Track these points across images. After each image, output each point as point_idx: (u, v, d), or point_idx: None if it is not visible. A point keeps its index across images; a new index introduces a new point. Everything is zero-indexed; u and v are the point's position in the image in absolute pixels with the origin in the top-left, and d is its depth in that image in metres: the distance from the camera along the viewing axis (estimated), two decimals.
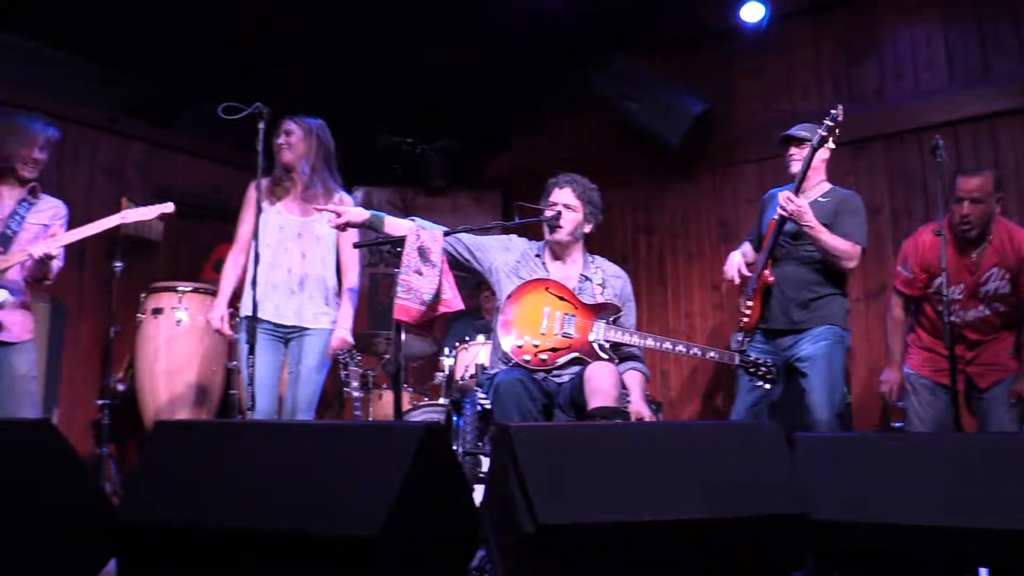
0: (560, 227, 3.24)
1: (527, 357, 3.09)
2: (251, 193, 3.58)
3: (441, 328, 4.85)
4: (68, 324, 4.65)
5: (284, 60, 4.99)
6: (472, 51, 5.14)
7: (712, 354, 3.24)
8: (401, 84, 5.30)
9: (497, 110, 5.87)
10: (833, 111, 3.39)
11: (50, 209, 3.64)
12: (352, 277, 3.60)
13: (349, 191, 3.85)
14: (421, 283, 2.99)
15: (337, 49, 4.99)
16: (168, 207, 3.54)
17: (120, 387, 4.59)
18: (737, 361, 3.19)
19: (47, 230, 3.59)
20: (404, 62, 5.10)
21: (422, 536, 1.92)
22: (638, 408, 3.10)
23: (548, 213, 3.25)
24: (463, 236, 3.25)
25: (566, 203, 3.27)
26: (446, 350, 4.59)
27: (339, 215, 3.17)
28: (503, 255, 3.30)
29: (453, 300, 3.02)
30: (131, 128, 5.16)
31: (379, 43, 4.99)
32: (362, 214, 3.19)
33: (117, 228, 4.67)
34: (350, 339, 3.51)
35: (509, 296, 3.18)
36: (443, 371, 4.58)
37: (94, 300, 4.83)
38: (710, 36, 5.39)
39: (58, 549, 2.10)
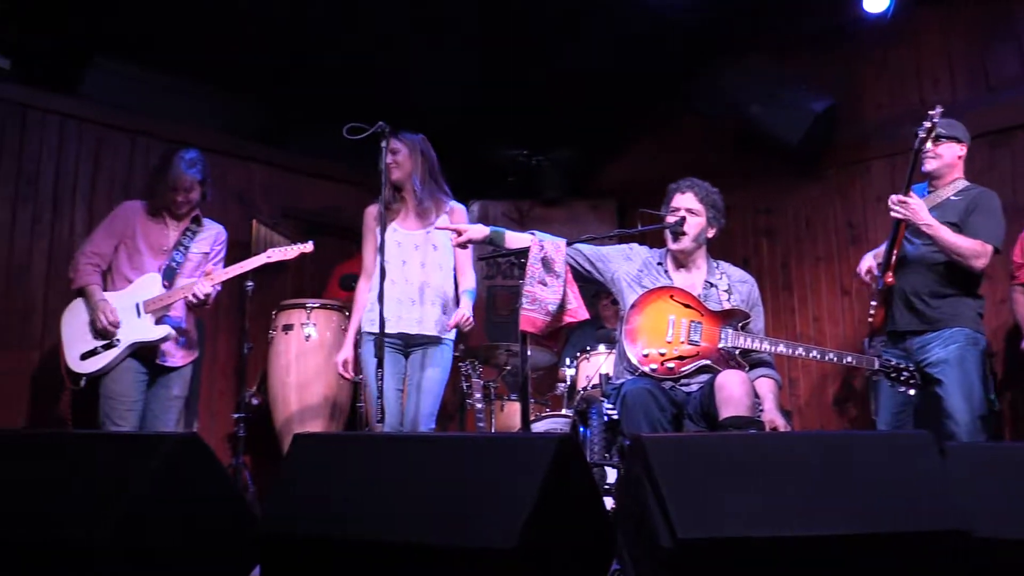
0: (684, 233, 3.18)
1: (654, 366, 3.03)
2: (367, 220, 3.69)
3: (561, 338, 4.83)
4: (206, 341, 4.87)
5: (399, 79, 5.10)
6: (586, 59, 5.12)
7: (848, 359, 3.11)
8: (515, 96, 5.33)
9: (612, 117, 5.82)
10: (931, 112, 3.21)
11: (210, 236, 3.89)
12: (469, 280, 3.64)
13: (465, 205, 3.90)
14: (546, 294, 2.98)
15: (452, 66, 5.06)
16: (308, 247, 3.73)
17: (254, 401, 4.77)
18: (876, 366, 3.04)
19: (208, 257, 3.85)
20: (517, 75, 5.13)
21: (557, 549, 1.89)
22: (772, 417, 2.99)
23: (670, 219, 3.19)
24: (583, 247, 3.23)
25: (689, 208, 3.20)
26: (567, 360, 4.57)
27: (460, 233, 3.18)
28: (625, 264, 3.26)
29: (578, 310, 2.99)
30: (257, 153, 5.38)
31: (493, 57, 5.04)
32: (482, 230, 3.19)
33: (248, 250, 4.93)
34: (470, 314, 3.51)
35: (633, 305, 3.13)
36: (564, 381, 4.56)
37: (229, 318, 5.05)
38: (831, 30, 5.19)
39: (207, 557, 2.19)
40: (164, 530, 2.09)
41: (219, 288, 3.82)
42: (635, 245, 3.37)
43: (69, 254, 4.53)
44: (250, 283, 4.56)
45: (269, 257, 3.74)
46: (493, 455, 1.90)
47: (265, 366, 4.80)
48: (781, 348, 3.07)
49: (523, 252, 3.06)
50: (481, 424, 4.38)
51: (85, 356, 3.62)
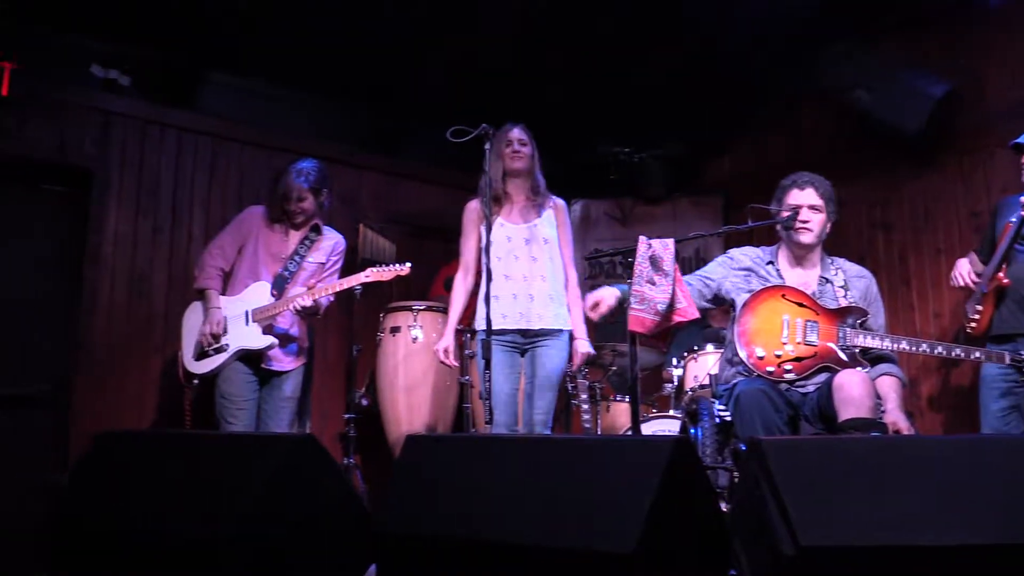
0: (808, 230, 3.08)
1: (770, 369, 2.94)
2: (469, 215, 3.72)
3: (669, 338, 4.76)
4: (316, 344, 5.01)
5: (501, 80, 5.12)
6: (690, 50, 5.02)
7: (977, 354, 2.95)
8: (616, 92, 5.28)
9: (717, 111, 5.69)
10: None
11: (328, 246, 4.00)
12: (573, 281, 3.65)
13: (568, 204, 3.90)
14: (654, 293, 2.94)
15: (550, 63, 5.05)
16: (405, 269, 3.85)
17: (363, 402, 4.88)
18: (1008, 360, 2.88)
19: (324, 268, 3.96)
20: (617, 69, 5.08)
21: (673, 554, 1.86)
22: (895, 419, 2.86)
23: (784, 215, 3.10)
24: (691, 281, 3.17)
25: (811, 204, 3.11)
26: (673, 360, 4.49)
27: (597, 304, 3.07)
28: (727, 272, 3.21)
29: (688, 309, 2.94)
30: (365, 159, 5.51)
31: (592, 54, 5.01)
32: (614, 293, 3.10)
33: (355, 254, 5.04)
34: (591, 350, 3.56)
35: (744, 305, 3.05)
36: (671, 382, 4.48)
37: (338, 321, 5.18)
38: (950, 11, 4.93)
39: (324, 554, 2.25)
40: (282, 528, 2.16)
41: (331, 299, 3.92)
42: (736, 251, 3.29)
43: (188, 262, 4.76)
44: (358, 287, 4.66)
45: (367, 277, 3.83)
46: (608, 457, 1.88)
47: (373, 367, 4.90)
48: (904, 345, 2.94)
49: (630, 252, 3.03)
50: (587, 425, 4.36)
51: (199, 357, 3.82)
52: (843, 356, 2.93)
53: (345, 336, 5.12)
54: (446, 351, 3.61)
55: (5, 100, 4.30)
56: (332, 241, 4.04)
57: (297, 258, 3.90)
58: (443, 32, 4.81)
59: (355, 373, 4.79)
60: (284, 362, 3.89)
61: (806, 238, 3.10)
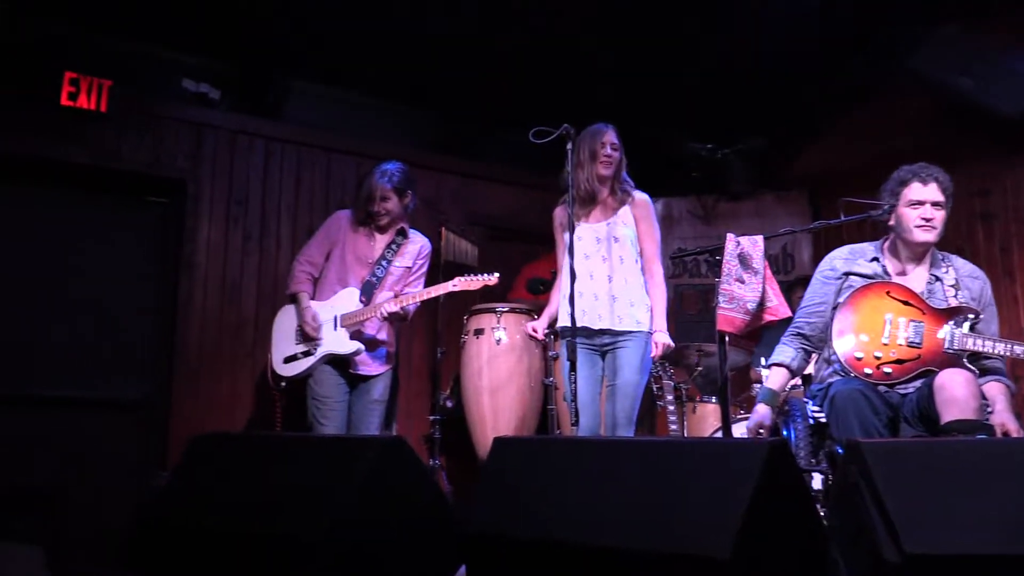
0: (932, 227, 2.91)
1: (868, 371, 2.81)
2: (556, 219, 3.71)
3: (757, 337, 4.65)
4: (401, 347, 5.08)
5: (581, 79, 5.10)
6: (772, 39, 4.89)
7: None
8: (696, 88, 5.20)
9: (800, 103, 5.55)
10: None
11: (414, 250, 4.06)
12: (657, 277, 3.59)
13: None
14: (744, 291, 2.87)
15: (629, 60, 5.01)
16: (493, 279, 3.86)
17: (448, 403, 4.92)
18: None
19: (411, 272, 4.03)
20: (697, 64, 5.00)
21: (770, 560, 1.81)
22: (1003, 420, 2.70)
23: (903, 211, 2.94)
24: (805, 318, 3.03)
25: (935, 201, 2.94)
26: (762, 360, 4.38)
27: (760, 428, 2.95)
28: (834, 287, 3.04)
29: (779, 307, 2.86)
30: (445, 163, 5.57)
31: (671, 50, 4.94)
32: (767, 412, 2.97)
33: (438, 256, 5.09)
34: (670, 341, 3.49)
35: (844, 302, 2.93)
36: (760, 382, 4.38)
37: (422, 324, 5.25)
38: None
39: (414, 555, 2.27)
40: (374, 529, 2.19)
41: (417, 304, 3.97)
42: (824, 264, 3.12)
43: (276, 269, 4.89)
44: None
45: (455, 287, 3.87)
46: (701, 460, 1.85)
47: (458, 369, 4.93)
48: (1018, 349, 2.75)
49: (717, 249, 2.97)
50: (673, 427, 4.30)
51: (287, 360, 3.93)
52: (950, 361, 2.77)
53: (429, 339, 5.17)
54: (534, 328, 3.73)
55: (104, 116, 4.49)
56: (418, 245, 4.08)
57: (384, 263, 3.96)
58: (520, 33, 4.82)
59: (439, 375, 4.83)
60: (372, 366, 3.96)
61: (928, 236, 2.93)
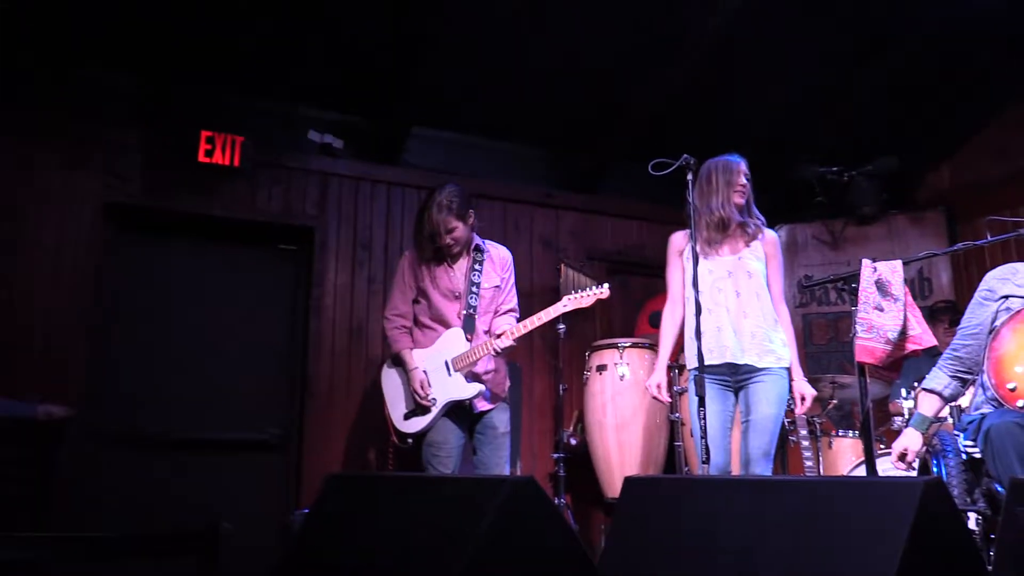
0: None
1: (1021, 403, 2.61)
2: (671, 246, 3.62)
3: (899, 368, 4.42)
4: (523, 384, 5.09)
5: (701, 112, 5.05)
6: (906, 57, 4.71)
7: None
8: (819, 110, 5.05)
9: (932, 119, 5.30)
10: None
11: (496, 265, 3.83)
12: (785, 317, 3.46)
13: (773, 229, 3.74)
14: (883, 320, 2.74)
15: (746, 87, 4.92)
16: (603, 292, 3.64)
17: (572, 441, 4.88)
18: None
19: (500, 290, 3.81)
20: (819, 85, 4.86)
21: None
22: None
23: None
24: (954, 354, 2.90)
25: None
26: (903, 391, 4.16)
27: (904, 455, 2.86)
28: (991, 310, 2.87)
29: (923, 336, 2.71)
30: (563, 199, 5.60)
31: (790, 74, 4.82)
32: (917, 437, 2.88)
33: (557, 295, 5.08)
34: (812, 390, 3.35)
35: (1000, 327, 2.73)
36: (900, 415, 4.15)
37: (544, 360, 5.24)
38: None
39: None
40: (509, 571, 2.16)
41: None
42: (992, 278, 2.93)
43: None
44: (562, 326, 4.70)
45: (565, 306, 3.64)
46: (851, 500, 1.75)
47: (581, 406, 4.90)
48: None
49: (851, 277, 2.84)
50: (808, 464, 4.11)
51: (408, 416, 3.75)
52: None
53: (551, 375, 5.16)
54: (658, 387, 3.50)
55: (237, 170, 4.73)
56: (499, 259, 3.86)
57: (474, 289, 3.74)
58: (640, 67, 4.82)
59: (562, 412, 4.81)
60: (488, 400, 3.80)
61: None
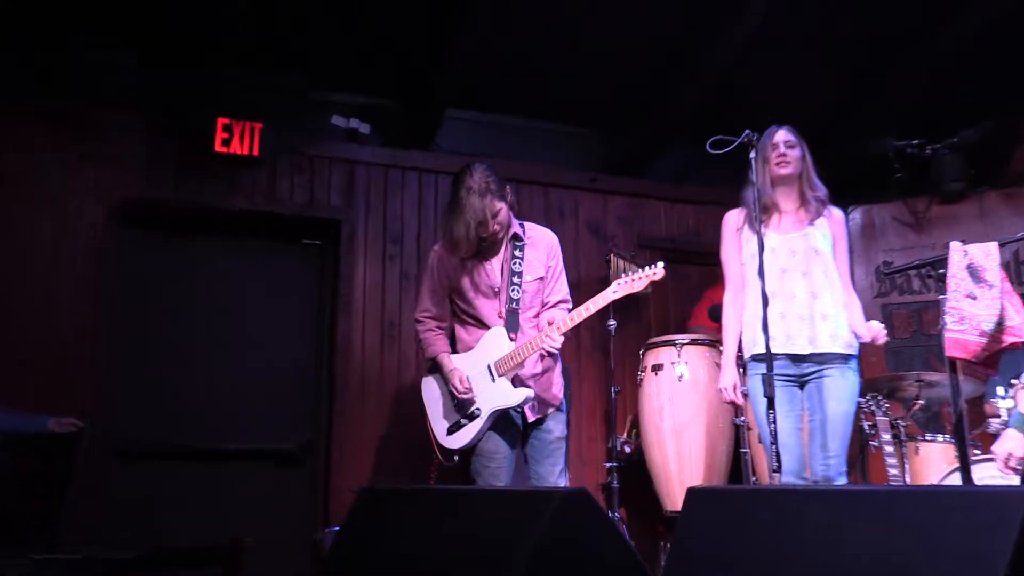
0: None
1: None
2: (727, 226, 3.57)
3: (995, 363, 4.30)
4: (571, 386, 5.05)
5: (759, 83, 4.97)
6: (988, 14, 4.57)
7: None
8: (897, 78, 4.94)
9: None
10: None
11: (540, 253, 3.67)
12: (854, 304, 3.41)
13: (845, 212, 3.67)
14: (977, 309, 2.66)
15: (813, 59, 4.83)
16: (657, 272, 3.41)
17: (626, 448, 4.84)
18: None
19: (545, 281, 3.65)
20: (898, 51, 4.74)
21: None
22: None
23: None
24: None
25: None
26: (999, 390, 4.04)
27: (1008, 458, 2.75)
28: None
29: (1022, 327, 2.62)
30: (609, 183, 5.56)
31: (865, 41, 4.72)
32: (1020, 440, 2.78)
33: (607, 284, 5.04)
34: (882, 326, 3.26)
35: None
36: (997, 416, 4.04)
37: (593, 360, 5.21)
38: None
39: None
40: None
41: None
42: None
43: None
44: (612, 322, 4.66)
45: (615, 293, 3.44)
46: (939, 513, 1.69)
47: (635, 411, 4.86)
48: None
49: (938, 262, 2.77)
50: (892, 472, 4.01)
51: (452, 430, 3.66)
52: None
53: (602, 377, 5.12)
54: (732, 388, 3.42)
55: (256, 160, 4.77)
56: (542, 245, 3.69)
57: (516, 281, 3.59)
58: (695, 36, 4.76)
59: (615, 418, 4.77)
60: (541, 405, 3.66)
61: None
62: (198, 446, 4.62)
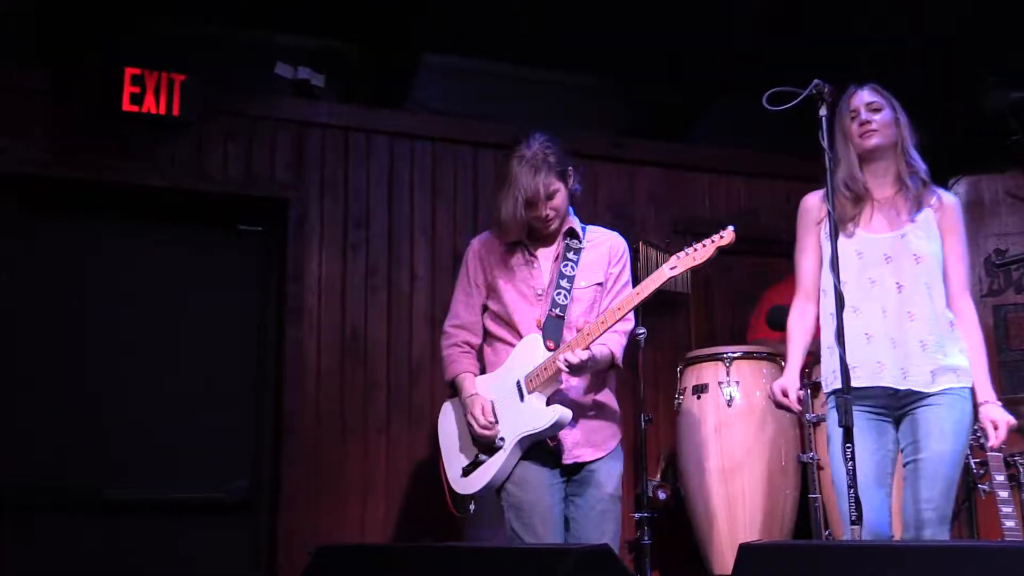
0: None
1: None
2: (804, 215, 3.57)
3: None
4: None
5: (831, 17, 4.99)
6: None
7: None
8: (1009, 12, 4.96)
9: None
10: None
11: (600, 256, 3.75)
12: (968, 314, 3.40)
13: (945, 187, 3.68)
14: None
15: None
16: (727, 237, 3.43)
17: (660, 495, 4.85)
18: None
19: (605, 288, 3.70)
20: None
21: None
22: None
23: None
24: None
25: None
26: None
27: None
28: None
29: None
30: (639, 151, 5.60)
31: None
32: None
33: (633, 282, 5.05)
34: (1008, 416, 3.26)
35: None
36: None
37: (615, 376, 5.21)
38: None
39: None
40: None
41: (631, 323, 3.68)
42: None
43: (412, 313, 5.01)
44: (641, 329, 4.67)
45: (674, 269, 3.43)
46: None
47: (672, 445, 4.87)
48: None
49: None
50: (1008, 524, 4.03)
51: (468, 471, 3.67)
52: None
53: (628, 400, 5.13)
54: (783, 391, 3.44)
55: (177, 122, 4.77)
56: (604, 247, 3.79)
57: (564, 285, 3.65)
58: None
59: (644, 455, 4.78)
60: (587, 447, 3.63)
61: None
62: (97, 496, 4.63)
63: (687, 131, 5.72)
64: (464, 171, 5.34)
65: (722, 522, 4.54)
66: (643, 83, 5.63)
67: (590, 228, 3.84)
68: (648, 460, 4.83)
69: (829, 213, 3.21)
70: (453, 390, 3.80)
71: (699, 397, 4.64)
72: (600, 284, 3.72)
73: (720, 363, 4.64)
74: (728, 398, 4.57)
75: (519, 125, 5.21)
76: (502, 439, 3.56)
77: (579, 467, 3.62)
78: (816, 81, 3.14)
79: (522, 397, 3.57)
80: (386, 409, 4.96)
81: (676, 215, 5.59)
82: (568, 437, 3.59)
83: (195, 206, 5.00)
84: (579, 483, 3.63)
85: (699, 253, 3.44)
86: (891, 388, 3.31)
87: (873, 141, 3.41)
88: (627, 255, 3.83)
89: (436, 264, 5.14)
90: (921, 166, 3.46)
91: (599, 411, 3.69)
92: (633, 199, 5.55)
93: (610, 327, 3.48)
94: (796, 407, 3.48)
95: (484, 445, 3.62)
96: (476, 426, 3.58)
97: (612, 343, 3.62)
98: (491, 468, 3.58)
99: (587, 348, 3.43)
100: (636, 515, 4.68)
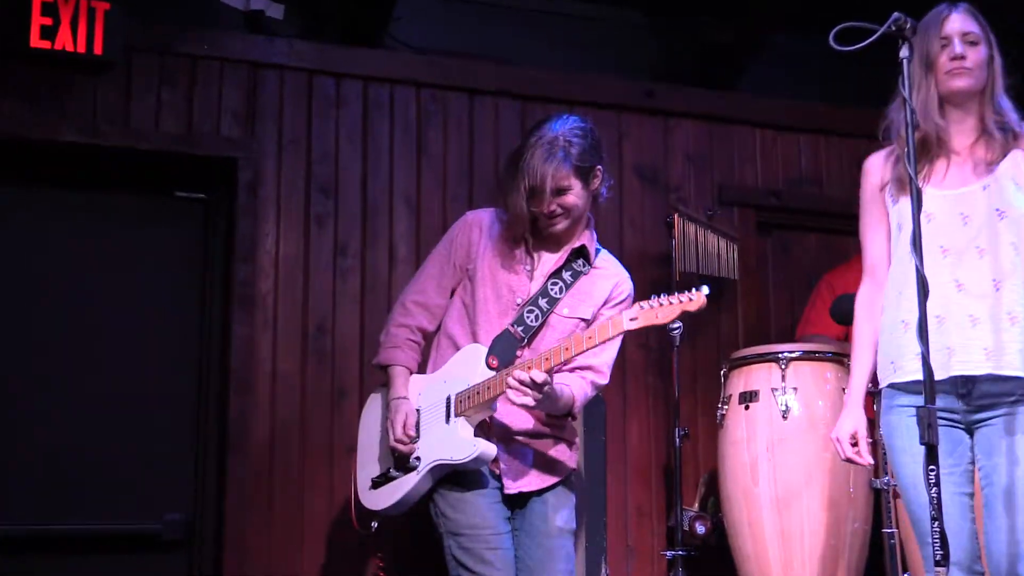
0: None
1: None
2: (869, 178, 3.56)
3: None
4: (608, 425, 5.05)
5: None
6: None
7: None
8: None
9: None
10: None
11: (599, 289, 3.83)
12: None
13: None
14: None
15: None
16: (695, 300, 3.40)
17: (699, 528, 4.87)
18: None
19: (587, 327, 3.72)
20: None
21: None
22: None
23: None
24: None
25: None
26: None
27: None
28: None
29: None
30: (675, 100, 5.62)
31: None
32: None
33: (666, 264, 5.07)
34: None
35: None
36: None
37: (643, 387, 5.24)
38: None
39: None
40: None
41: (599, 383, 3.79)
42: None
43: (392, 298, 5.01)
44: (677, 324, 4.68)
45: (634, 321, 3.46)
46: None
47: (713, 467, 4.88)
48: None
49: None
50: None
51: (378, 483, 3.83)
52: None
53: (659, 413, 5.17)
54: (852, 438, 3.46)
55: (99, 61, 4.78)
56: (609, 281, 3.89)
57: (544, 303, 3.76)
58: None
59: (679, 479, 4.80)
60: (531, 476, 3.75)
61: None
62: (25, 529, 4.67)
63: (736, 77, 5.74)
64: (456, 125, 5.36)
65: (775, 563, 4.56)
66: (682, 16, 5.64)
67: (604, 254, 3.92)
68: (683, 485, 4.87)
69: (911, 179, 3.22)
70: (383, 374, 3.90)
71: (747, 407, 4.65)
72: (585, 321, 3.78)
73: (774, 365, 4.63)
74: (783, 408, 4.57)
75: (523, 67, 5.30)
76: (417, 459, 3.68)
77: (524, 498, 3.72)
78: (896, 15, 3.12)
79: (448, 418, 3.66)
80: (358, 423, 4.97)
81: (720, 180, 5.62)
82: (511, 464, 3.70)
83: (121, 168, 5.03)
84: (523, 516, 3.74)
85: (662, 312, 3.45)
86: (966, 376, 3.31)
87: (963, 82, 3.40)
88: (630, 296, 3.88)
89: (420, 241, 5.12)
90: (1012, 116, 3.47)
91: (552, 429, 3.78)
92: (667, 159, 5.58)
93: (572, 356, 3.56)
94: (866, 462, 3.49)
95: (399, 458, 3.72)
96: (392, 437, 3.69)
97: (576, 388, 3.69)
98: (401, 488, 3.71)
99: (545, 383, 3.45)
100: (668, 553, 4.73)
